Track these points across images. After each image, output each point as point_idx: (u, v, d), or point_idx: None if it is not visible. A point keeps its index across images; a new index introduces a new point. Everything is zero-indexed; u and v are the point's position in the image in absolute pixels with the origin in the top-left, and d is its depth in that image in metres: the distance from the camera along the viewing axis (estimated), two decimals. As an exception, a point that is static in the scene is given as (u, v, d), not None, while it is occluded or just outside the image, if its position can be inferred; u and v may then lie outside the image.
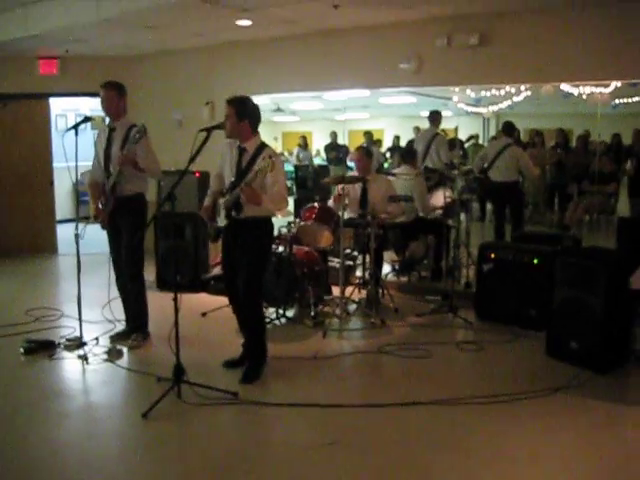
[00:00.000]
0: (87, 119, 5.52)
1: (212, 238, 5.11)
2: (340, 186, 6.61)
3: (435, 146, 9.24)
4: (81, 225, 5.50)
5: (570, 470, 3.71)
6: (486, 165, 8.64)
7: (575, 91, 8.48)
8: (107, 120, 5.74)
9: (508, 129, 8.87)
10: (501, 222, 8.65)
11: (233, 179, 4.89)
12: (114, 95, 5.57)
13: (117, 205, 5.54)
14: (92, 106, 10.77)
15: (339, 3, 6.41)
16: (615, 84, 7.15)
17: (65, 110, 13.12)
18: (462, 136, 10.42)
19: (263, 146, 4.90)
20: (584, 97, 8.55)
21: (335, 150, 12.15)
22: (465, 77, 7.34)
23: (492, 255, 6.44)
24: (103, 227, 5.72)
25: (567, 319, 5.24)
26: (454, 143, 9.29)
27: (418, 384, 4.99)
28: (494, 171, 8.51)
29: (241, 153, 4.89)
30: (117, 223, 5.63)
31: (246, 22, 7.41)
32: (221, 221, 4.94)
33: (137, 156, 5.40)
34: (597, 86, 7.97)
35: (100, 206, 5.65)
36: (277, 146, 15.59)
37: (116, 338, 5.84)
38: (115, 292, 5.93)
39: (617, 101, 8.85)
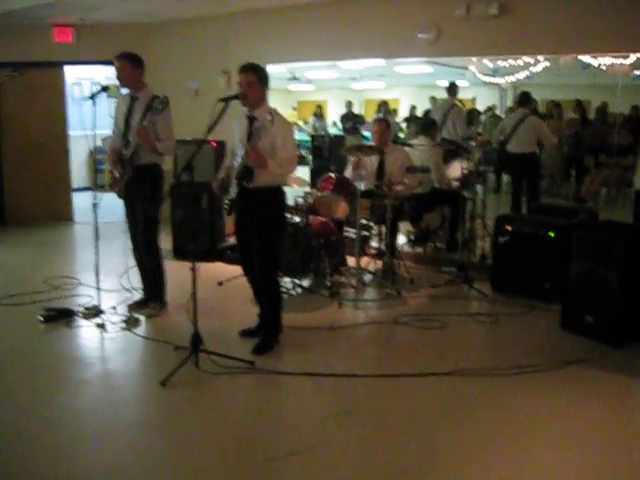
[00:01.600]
0: (104, 88, 5.53)
1: (228, 211, 5.12)
2: (356, 157, 6.58)
3: (452, 118, 9.18)
4: (98, 194, 5.53)
5: (581, 443, 3.73)
6: (502, 138, 8.57)
7: (595, 62, 8.37)
8: (123, 90, 5.73)
9: (524, 100, 8.74)
10: (518, 194, 8.60)
11: (244, 149, 4.85)
12: (127, 65, 5.52)
13: (134, 175, 5.55)
14: (107, 74, 10.74)
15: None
16: (635, 55, 7.04)
17: (80, 78, 13.09)
18: (480, 107, 10.35)
19: (270, 112, 4.85)
20: (603, 68, 8.44)
21: (351, 120, 12.10)
22: (484, 48, 7.27)
23: (508, 227, 6.42)
24: (120, 196, 5.73)
25: (582, 292, 5.25)
26: (472, 118, 9.20)
27: (433, 355, 5.01)
28: (512, 143, 8.44)
29: (251, 122, 4.84)
30: (133, 193, 5.64)
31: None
32: (233, 192, 4.92)
33: (156, 128, 5.39)
34: (617, 57, 7.86)
35: (117, 175, 5.66)
36: (293, 114, 15.49)
37: (133, 307, 5.89)
38: (132, 260, 5.95)
39: (637, 72, 8.71)
